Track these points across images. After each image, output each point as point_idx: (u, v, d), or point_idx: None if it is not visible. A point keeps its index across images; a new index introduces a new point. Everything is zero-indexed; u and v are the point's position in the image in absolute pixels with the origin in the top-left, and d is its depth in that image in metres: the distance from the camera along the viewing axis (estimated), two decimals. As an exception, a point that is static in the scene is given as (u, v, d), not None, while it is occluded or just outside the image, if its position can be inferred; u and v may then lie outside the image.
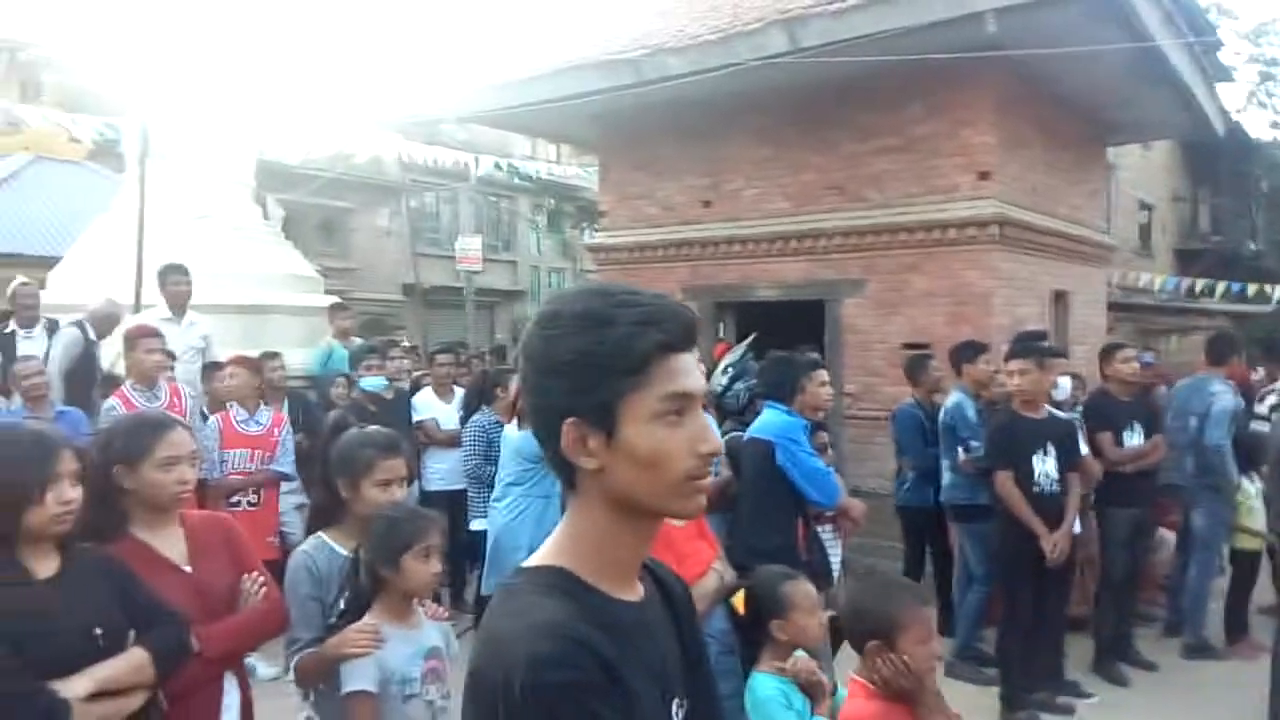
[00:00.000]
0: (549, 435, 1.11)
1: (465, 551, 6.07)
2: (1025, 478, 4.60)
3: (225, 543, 2.45)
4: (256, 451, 5.23)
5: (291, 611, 2.43)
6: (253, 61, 9.35)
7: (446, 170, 18.32)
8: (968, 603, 5.36)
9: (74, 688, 1.85)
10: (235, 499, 5.13)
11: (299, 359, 7.19)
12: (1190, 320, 14.26)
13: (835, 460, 5.05)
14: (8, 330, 6.19)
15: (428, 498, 5.94)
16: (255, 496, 5.22)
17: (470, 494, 5.76)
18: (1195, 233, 22.42)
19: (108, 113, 13.65)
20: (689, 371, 1.10)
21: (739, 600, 2.73)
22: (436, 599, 2.73)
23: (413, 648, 2.35)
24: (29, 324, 6.17)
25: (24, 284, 6.43)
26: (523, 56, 9.18)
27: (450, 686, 2.39)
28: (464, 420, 6.05)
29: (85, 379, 6.00)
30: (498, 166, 17.68)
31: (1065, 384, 6.12)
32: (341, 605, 2.38)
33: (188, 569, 2.32)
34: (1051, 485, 4.62)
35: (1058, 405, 5.30)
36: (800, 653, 2.59)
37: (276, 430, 5.36)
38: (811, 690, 2.54)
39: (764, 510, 4.01)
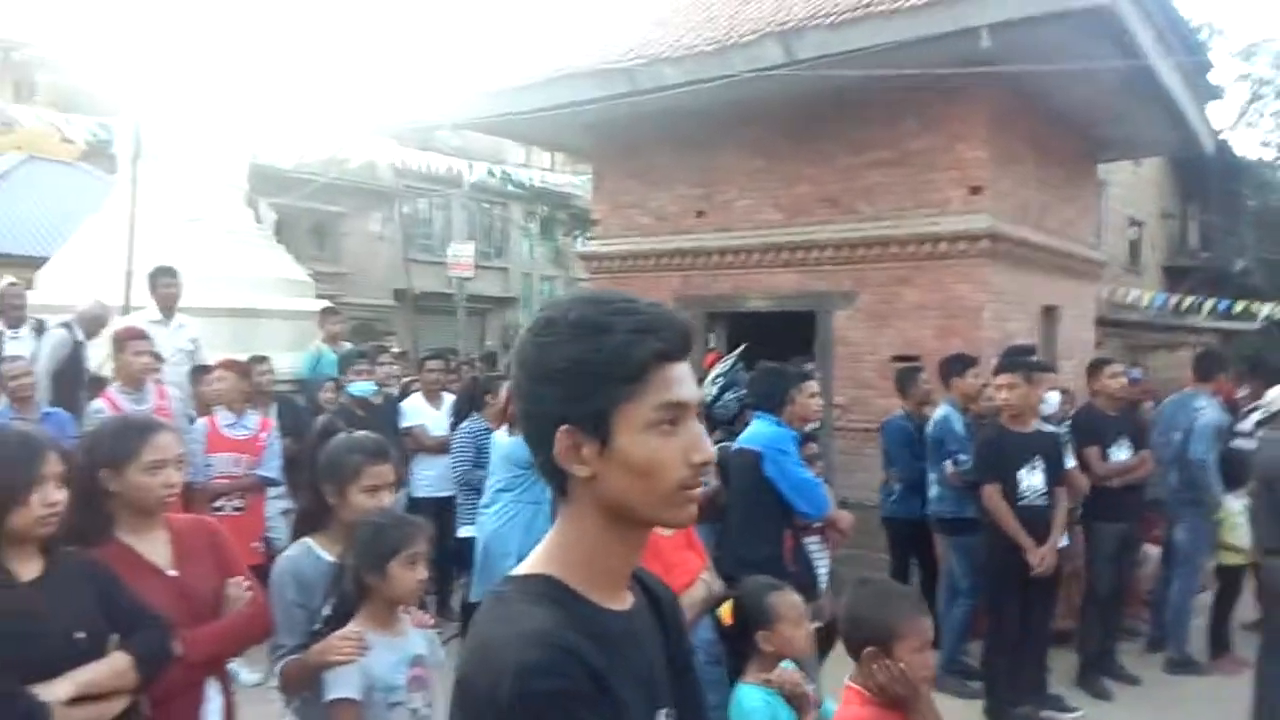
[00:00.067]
0: (541, 442, 1.11)
1: (452, 559, 6.05)
2: (1012, 491, 4.62)
3: (210, 547, 2.44)
4: (243, 456, 5.21)
5: (276, 617, 2.42)
6: (247, 65, 9.34)
7: (439, 176, 18.30)
8: (953, 616, 5.37)
9: (55, 691, 1.84)
10: (221, 503, 5.10)
11: (288, 363, 7.17)
12: (1178, 337, 14.34)
13: (824, 471, 5.06)
14: (-5, 330, 6.15)
15: (415, 504, 5.92)
16: (241, 501, 5.18)
17: (459, 500, 5.75)
18: (1184, 250, 22.58)
19: (101, 113, 13.60)
20: (684, 381, 1.10)
21: (726, 611, 2.72)
22: (422, 606, 2.72)
23: (398, 655, 2.34)
24: (16, 324, 6.13)
25: (11, 284, 6.39)
26: (518, 64, 9.20)
27: (435, 695, 2.38)
28: (454, 426, 6.04)
29: (72, 380, 5.96)
30: (491, 173, 17.67)
31: (1053, 399, 6.14)
32: (327, 611, 2.37)
33: (172, 573, 2.31)
34: (1038, 499, 4.64)
35: (1046, 419, 5.32)
36: (786, 664, 2.59)
37: (264, 435, 5.33)
38: (797, 702, 2.54)
39: (752, 521, 4.01)
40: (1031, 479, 4.63)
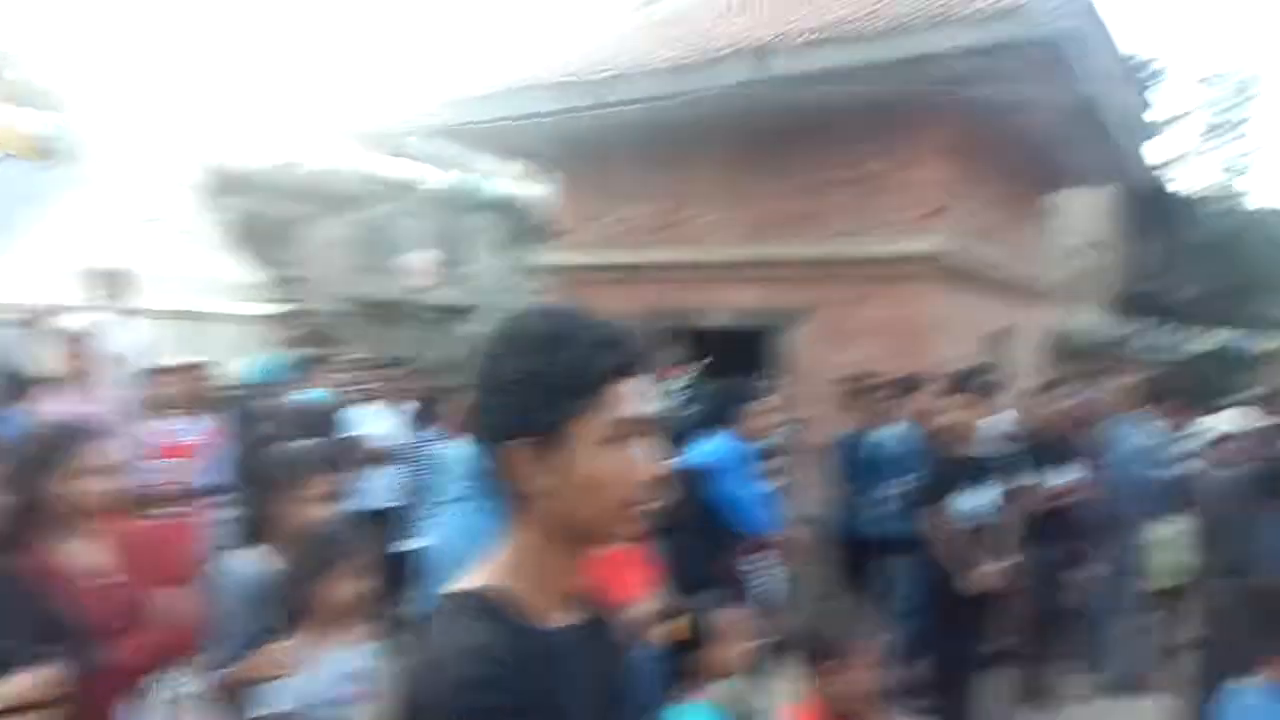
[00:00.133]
0: (494, 454, 1.10)
1: (397, 571, 5.97)
2: (957, 511, 4.68)
3: (150, 554, 2.40)
4: (188, 462, 5.11)
5: (215, 627, 2.38)
6: (208, 65, 9.22)
7: (402, 183, 18.16)
8: (901, 635, 5.41)
9: (-21, 702, 1.79)
10: (163, 510, 4.99)
11: (239, 368, 7.06)
12: (1123, 362, 14.66)
13: (779, 487, 5.09)
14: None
15: (362, 515, 5.84)
16: (184, 508, 5.08)
17: (408, 511, 5.69)
18: (1132, 278, 23.14)
19: (56, 110, 13.32)
20: (641, 397, 1.11)
21: (673, 627, 2.73)
22: (365, 619, 2.69)
23: (338, 669, 2.31)
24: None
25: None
26: (486, 73, 9.17)
27: (376, 709, 2.35)
28: (409, 435, 5.98)
29: (15, 382, 5.82)
30: (455, 182, 17.57)
31: (1001, 420, 6.25)
32: (267, 623, 2.33)
33: (110, 580, 2.26)
34: (983, 519, 4.71)
35: (993, 440, 5.41)
36: (732, 680, 2.60)
37: (210, 441, 5.24)
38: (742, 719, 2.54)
39: (702, 536, 4.02)
40: (978, 499, 4.70)
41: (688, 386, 5.84)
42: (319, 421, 5.93)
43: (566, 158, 9.39)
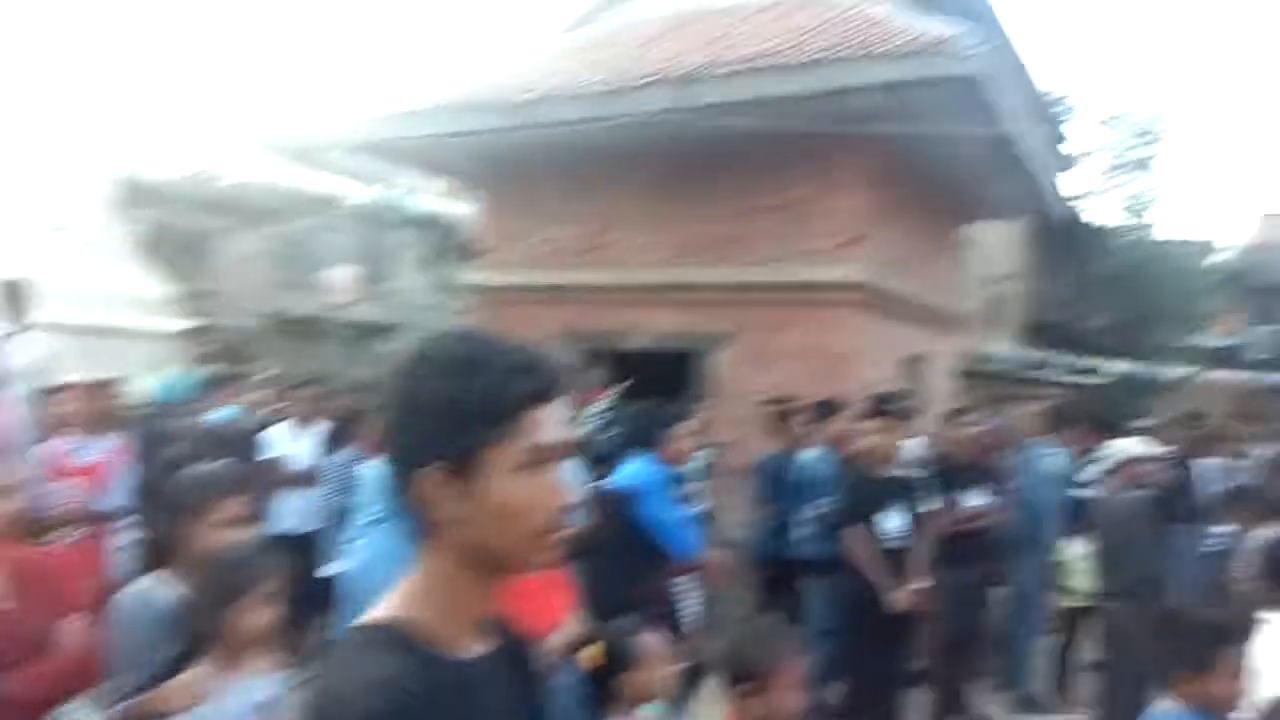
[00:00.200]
0: (406, 480, 1.09)
1: (312, 598, 5.82)
2: (874, 533, 4.77)
3: (47, 580, 2.30)
4: (90, 483, 4.90)
5: (116, 657, 2.28)
6: (121, 71, 8.94)
7: (323, 197, 17.84)
8: (818, 656, 5.48)
9: None
10: (63, 533, 4.77)
11: (146, 386, 6.81)
12: (1032, 389, 15.20)
13: (703, 510, 5.12)
14: None
15: (275, 540, 5.67)
16: (86, 531, 4.86)
17: (325, 535, 5.55)
18: (1042, 307, 24.05)
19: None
20: (555, 423, 1.10)
21: (591, 652, 2.71)
22: (276, 647, 2.61)
23: (247, 700, 2.23)
24: None
25: None
26: (412, 90, 9.09)
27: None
28: (324, 456, 5.85)
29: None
30: (377, 197, 17.33)
31: (916, 444, 6.40)
32: (173, 652, 2.24)
33: (4, 607, 2.15)
34: (899, 541, 4.81)
35: (908, 464, 5.54)
36: (650, 707, 2.59)
37: (114, 461, 5.04)
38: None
39: (623, 561, 4.02)
40: (893, 521, 4.80)
41: (610, 409, 5.84)
42: (230, 441, 5.74)
43: (492, 177, 9.37)
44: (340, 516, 5.39)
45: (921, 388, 9.14)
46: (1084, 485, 6.47)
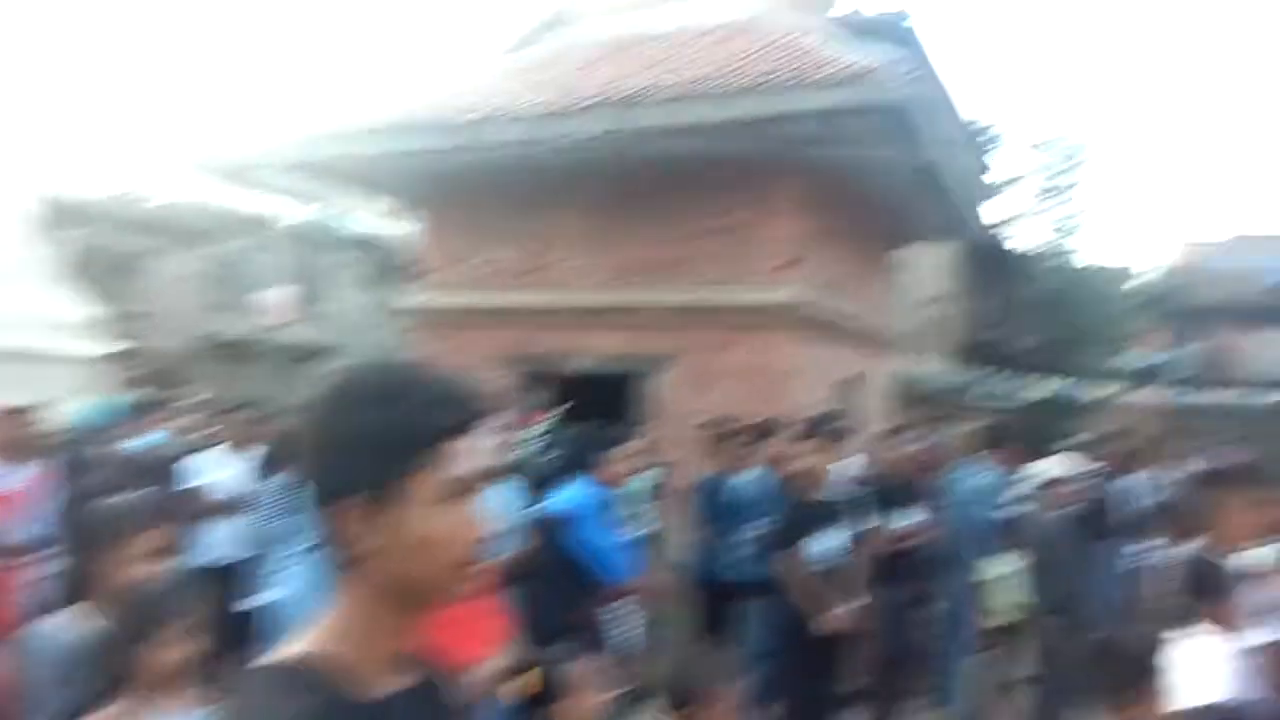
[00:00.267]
0: (326, 511, 1.07)
1: (238, 631, 5.65)
2: (809, 554, 4.81)
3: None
4: (9, 511, 4.72)
5: (29, 693, 2.20)
6: (47, 89, 8.71)
7: (257, 217, 17.54)
8: (755, 677, 5.49)
9: None
10: (-23, 565, 4.58)
11: (70, 411, 6.60)
12: (964, 409, 15.56)
13: (650, 532, 5.11)
14: None
15: (200, 570, 5.50)
16: (2, 562, 4.68)
17: (254, 565, 5.40)
18: (972, 329, 24.69)
19: None
20: (477, 454, 1.10)
21: (529, 680, 2.69)
22: (195, 683, 2.54)
23: (166, 736, 2.17)
24: None
25: None
26: (350, 109, 9.00)
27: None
28: (254, 482, 5.70)
29: None
30: (313, 217, 17.08)
31: (852, 464, 6.49)
32: (88, 689, 2.17)
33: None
34: (835, 561, 4.85)
35: (843, 484, 5.60)
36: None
37: (34, 489, 4.86)
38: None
39: (558, 585, 4.00)
40: (828, 541, 4.85)
41: (549, 432, 5.82)
42: (153, 470, 5.57)
43: (432, 197, 9.31)
44: (274, 544, 5.26)
45: (857, 408, 9.28)
46: (1011, 504, 6.62)
